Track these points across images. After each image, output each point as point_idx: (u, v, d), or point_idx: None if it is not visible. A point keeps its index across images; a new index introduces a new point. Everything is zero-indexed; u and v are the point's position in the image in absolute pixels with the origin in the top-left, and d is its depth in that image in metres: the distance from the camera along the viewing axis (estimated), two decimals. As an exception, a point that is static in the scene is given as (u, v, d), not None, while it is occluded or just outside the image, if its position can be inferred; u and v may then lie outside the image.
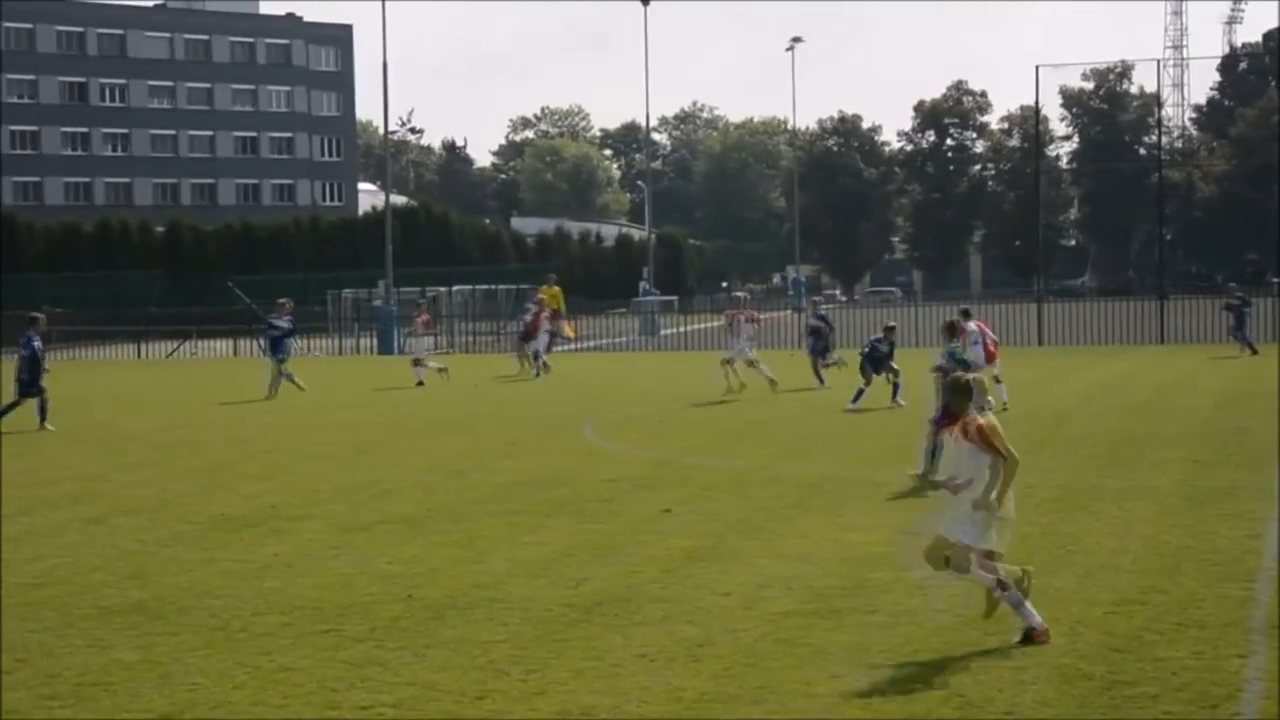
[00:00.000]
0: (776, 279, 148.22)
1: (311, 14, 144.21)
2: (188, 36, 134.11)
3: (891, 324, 33.99)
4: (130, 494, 21.11)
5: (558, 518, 18.40)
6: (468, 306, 77.37)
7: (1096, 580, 14.29)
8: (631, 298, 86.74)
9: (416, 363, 42.15)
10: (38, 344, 31.40)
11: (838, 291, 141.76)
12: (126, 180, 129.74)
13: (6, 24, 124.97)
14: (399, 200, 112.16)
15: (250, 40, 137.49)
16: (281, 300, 41.20)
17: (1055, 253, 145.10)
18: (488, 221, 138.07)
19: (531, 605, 13.72)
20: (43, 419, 30.74)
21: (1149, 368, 43.16)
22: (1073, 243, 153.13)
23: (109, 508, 19.83)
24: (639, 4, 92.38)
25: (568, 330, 50.55)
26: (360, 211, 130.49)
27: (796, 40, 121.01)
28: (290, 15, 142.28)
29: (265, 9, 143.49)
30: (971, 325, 31.30)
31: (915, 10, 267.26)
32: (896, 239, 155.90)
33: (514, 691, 11.07)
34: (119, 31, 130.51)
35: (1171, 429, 26.69)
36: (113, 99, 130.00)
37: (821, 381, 37.16)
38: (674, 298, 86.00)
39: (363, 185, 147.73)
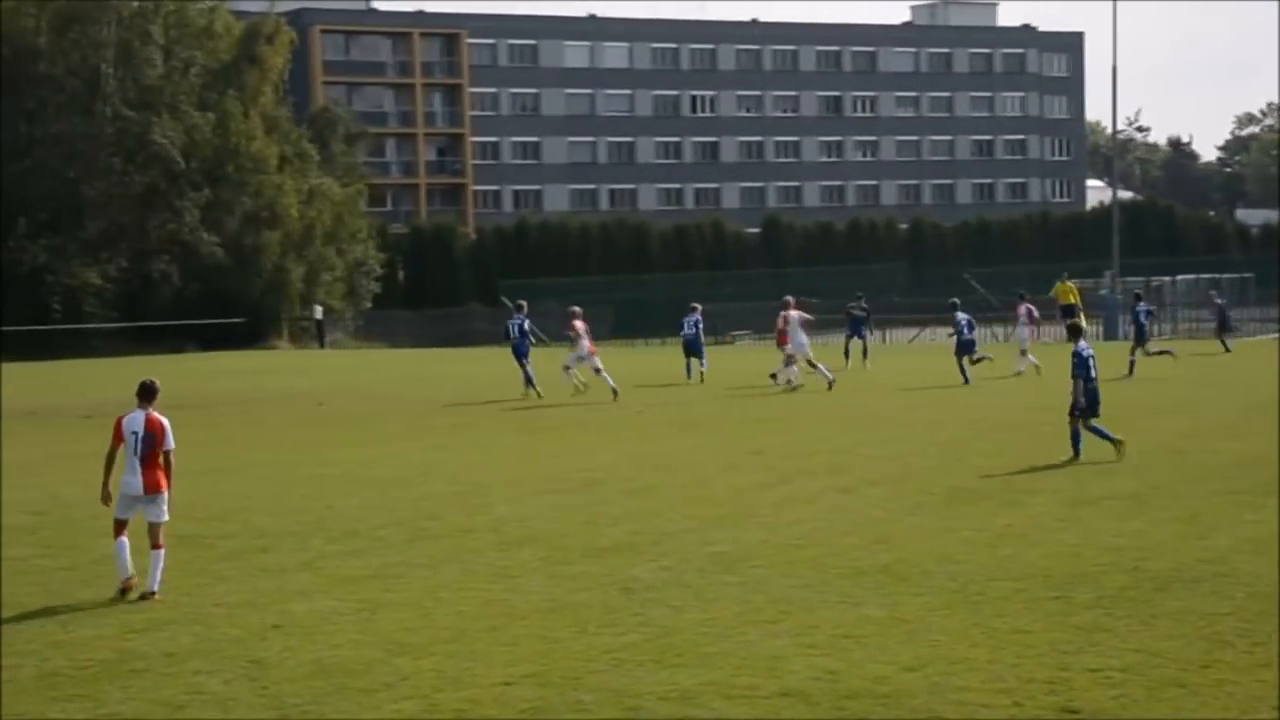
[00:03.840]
0: None
1: (1045, 24, 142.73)
2: (930, 50, 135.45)
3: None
4: (876, 466, 21.54)
5: (1283, 500, 17.40)
6: (1190, 295, 74.37)
7: None
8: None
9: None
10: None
11: None
12: (874, 183, 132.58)
13: (772, 47, 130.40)
14: (1125, 195, 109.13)
15: (987, 51, 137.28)
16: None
17: None
18: (1212, 214, 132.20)
19: (1257, 581, 13.07)
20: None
21: None
22: None
23: (857, 478, 20.32)
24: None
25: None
26: (1088, 207, 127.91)
27: None
28: (1025, 26, 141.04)
29: (1002, 21, 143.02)
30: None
31: None
32: None
33: (1239, 663, 10.59)
34: (870, 49, 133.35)
35: None
36: (863, 110, 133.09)
37: None
38: None
39: (1091, 182, 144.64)
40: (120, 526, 14.16)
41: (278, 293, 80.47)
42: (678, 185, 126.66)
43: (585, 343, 35.19)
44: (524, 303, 37.42)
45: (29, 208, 75.03)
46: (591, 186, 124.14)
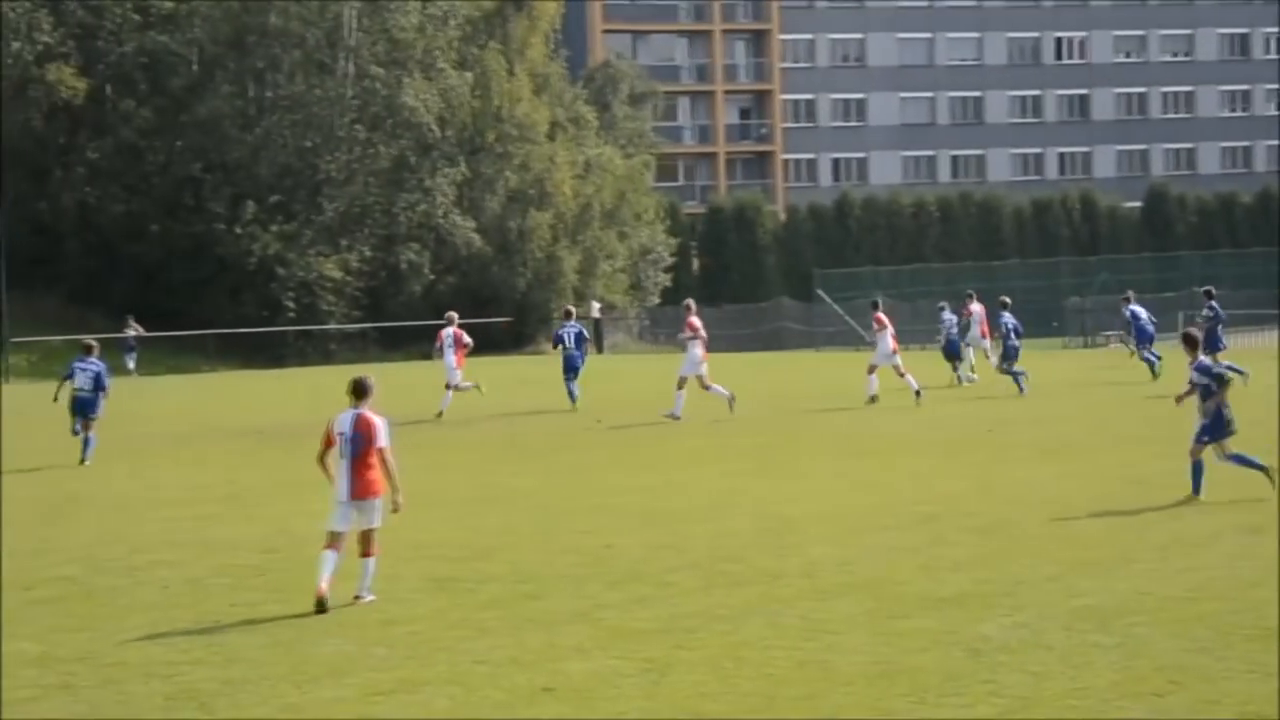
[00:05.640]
0: None
1: None
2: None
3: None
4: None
5: None
6: None
7: None
8: None
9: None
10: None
11: None
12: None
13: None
14: None
15: None
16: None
17: None
18: None
19: None
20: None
21: None
22: None
23: (1266, 515, 19.72)
24: None
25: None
26: None
27: None
28: None
29: None
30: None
31: None
32: None
33: None
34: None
35: None
36: (1278, 50, 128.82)
37: None
38: None
39: None
40: (330, 539, 15.88)
41: (547, 287, 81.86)
42: (1037, 150, 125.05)
43: (451, 356, 39.30)
44: (573, 309, 41.69)
45: (258, 187, 77.61)
46: (929, 153, 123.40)
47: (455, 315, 41.92)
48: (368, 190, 79.90)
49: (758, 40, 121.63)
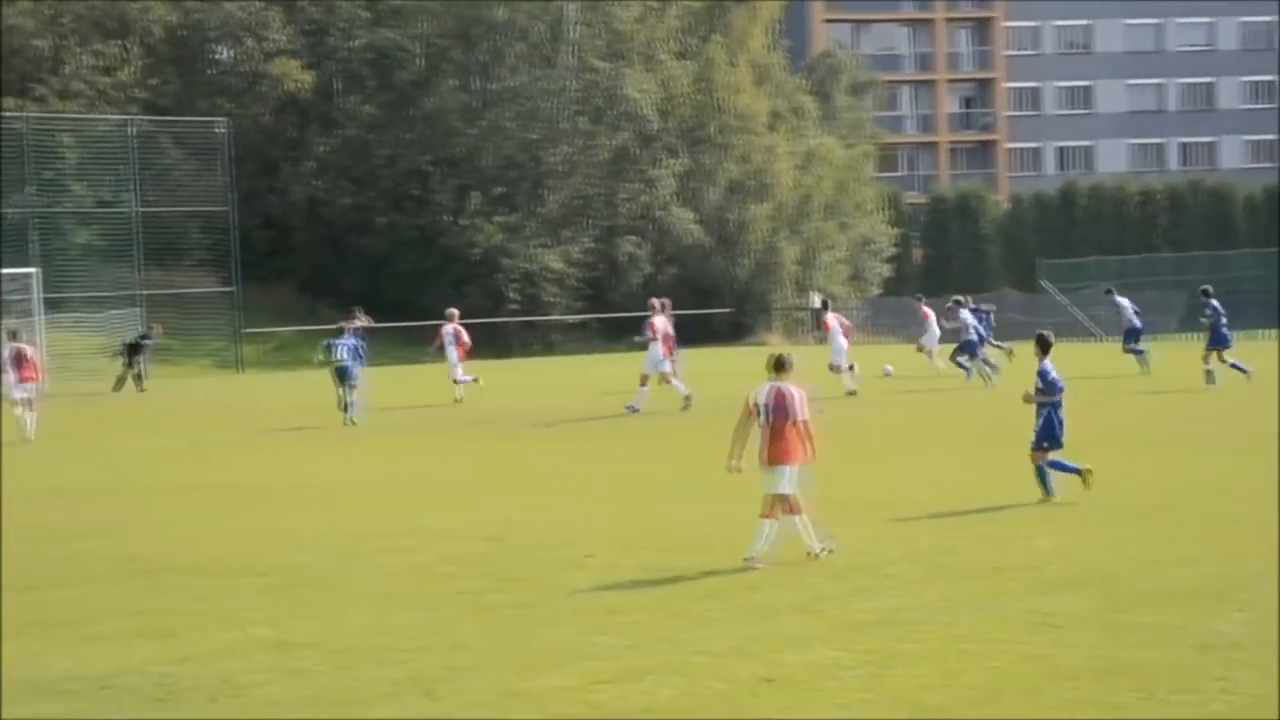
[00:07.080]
0: None
1: None
2: None
3: None
4: None
5: None
6: None
7: None
8: None
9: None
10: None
11: None
12: None
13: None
14: None
15: None
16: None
17: None
18: None
19: None
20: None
21: None
22: None
23: None
24: None
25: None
26: None
27: None
28: None
29: None
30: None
31: None
32: None
33: None
34: None
35: None
36: None
37: None
38: None
39: None
40: (766, 502, 17.39)
41: (768, 277, 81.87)
42: (1271, 136, 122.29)
43: (452, 351, 43.51)
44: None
45: (482, 180, 78.51)
46: (1158, 140, 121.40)
47: (456, 312, 46.14)
48: (589, 182, 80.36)
49: (981, 28, 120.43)
